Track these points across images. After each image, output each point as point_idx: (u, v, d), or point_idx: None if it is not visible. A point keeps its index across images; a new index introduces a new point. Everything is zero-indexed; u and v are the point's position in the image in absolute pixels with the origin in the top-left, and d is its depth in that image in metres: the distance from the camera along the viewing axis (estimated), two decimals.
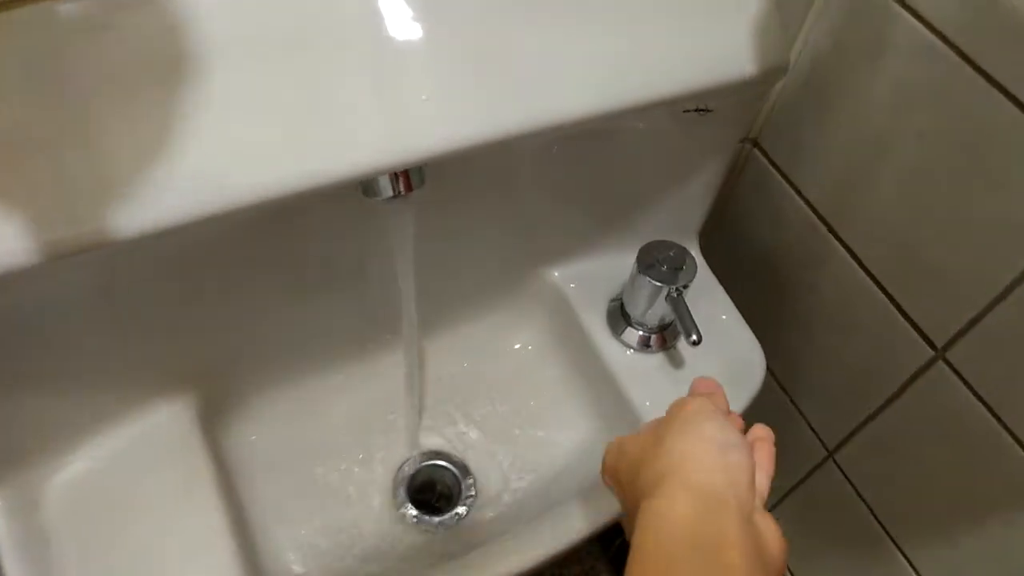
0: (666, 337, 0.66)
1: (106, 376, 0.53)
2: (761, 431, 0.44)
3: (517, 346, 0.72)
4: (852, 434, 0.75)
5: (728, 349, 0.65)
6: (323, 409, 0.66)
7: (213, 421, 0.60)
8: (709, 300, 0.68)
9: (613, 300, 0.68)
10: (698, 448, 0.38)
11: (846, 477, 0.78)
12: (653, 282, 0.60)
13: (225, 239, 0.51)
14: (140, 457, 0.55)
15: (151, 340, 0.54)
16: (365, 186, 0.48)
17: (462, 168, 0.52)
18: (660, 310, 0.62)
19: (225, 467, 0.61)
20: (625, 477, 0.41)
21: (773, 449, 0.43)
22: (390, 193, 0.48)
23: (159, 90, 0.40)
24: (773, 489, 0.42)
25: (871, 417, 0.71)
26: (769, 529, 0.37)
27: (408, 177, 0.47)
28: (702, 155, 0.63)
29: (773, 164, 0.73)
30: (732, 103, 0.57)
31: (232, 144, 0.41)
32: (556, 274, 0.69)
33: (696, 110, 0.56)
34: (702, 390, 0.47)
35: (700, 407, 0.41)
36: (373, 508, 0.64)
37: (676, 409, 0.42)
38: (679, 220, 0.68)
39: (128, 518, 0.52)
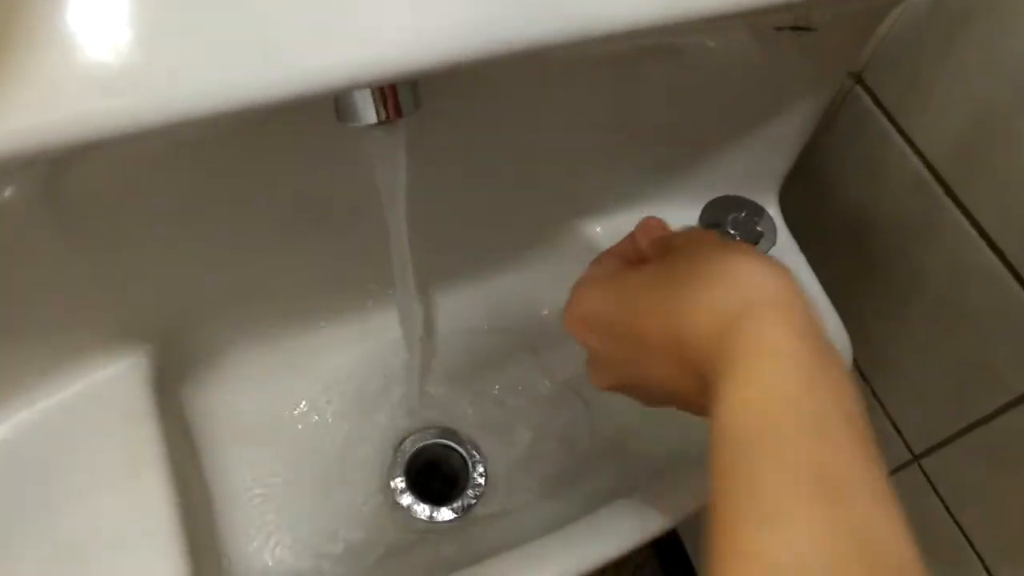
0: None
1: (37, 323, 0.44)
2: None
3: (546, 311, 0.61)
4: (949, 440, 0.62)
5: None
6: (310, 372, 0.56)
7: (172, 383, 0.50)
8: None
9: None
10: (774, 269, 0.30)
11: (933, 487, 0.65)
12: None
13: (184, 160, 0.40)
14: (73, 426, 0.45)
15: (97, 281, 0.44)
16: (339, 107, 0.36)
17: (472, 89, 0.40)
18: None
19: (188, 437, 0.52)
20: (647, 321, 0.32)
21: None
22: (372, 119, 0.36)
23: None
24: None
25: (977, 424, 0.58)
26: None
27: (396, 98, 0.35)
28: (794, 89, 0.49)
29: (879, 105, 0.58)
30: (843, 21, 0.43)
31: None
32: (598, 229, 0.57)
33: (793, 28, 0.42)
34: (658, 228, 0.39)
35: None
36: (362, 492, 0.55)
37: (692, 237, 0.35)
38: (756, 171, 0.54)
39: (53, 498, 0.44)
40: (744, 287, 0.30)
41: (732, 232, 0.47)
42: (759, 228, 0.48)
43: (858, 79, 0.59)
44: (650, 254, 0.38)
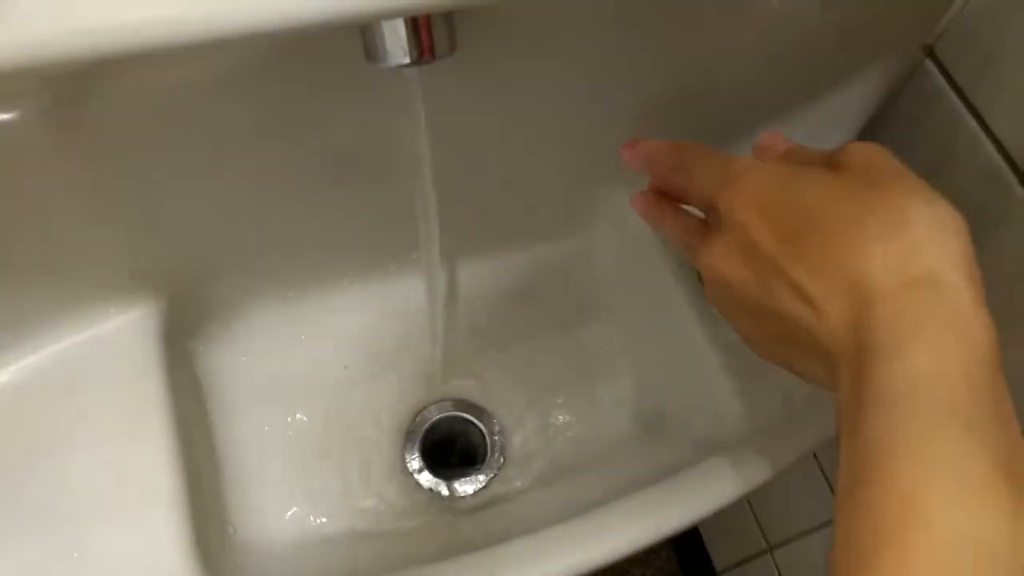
0: None
1: (47, 264, 0.42)
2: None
3: (580, 283, 0.57)
4: None
5: None
6: (326, 335, 0.54)
7: (183, 338, 0.48)
8: None
9: None
10: (959, 220, 0.29)
11: None
12: None
13: (207, 101, 0.38)
14: (79, 375, 0.43)
15: (110, 223, 0.42)
16: (368, 44, 0.33)
17: (508, 32, 0.36)
18: None
19: (197, 396, 0.49)
20: (820, 236, 0.29)
21: None
22: (403, 58, 0.33)
23: None
24: None
25: None
26: None
27: (430, 34, 0.32)
28: (862, 58, 0.45)
29: (951, 82, 0.54)
30: None
31: None
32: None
33: None
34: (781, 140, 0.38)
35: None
36: (376, 464, 0.52)
37: (866, 156, 0.31)
38: (812, 144, 0.50)
39: (53, 448, 0.42)
40: (932, 247, 0.27)
41: None
42: None
43: (929, 52, 0.55)
44: None
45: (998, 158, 0.51)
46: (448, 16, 0.32)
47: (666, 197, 0.41)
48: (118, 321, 0.45)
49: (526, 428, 0.55)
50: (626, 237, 0.54)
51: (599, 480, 0.51)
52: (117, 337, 0.44)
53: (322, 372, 0.53)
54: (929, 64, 0.55)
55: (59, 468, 0.41)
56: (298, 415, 0.52)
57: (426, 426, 0.54)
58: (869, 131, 0.57)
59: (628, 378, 0.55)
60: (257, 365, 0.52)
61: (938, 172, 0.57)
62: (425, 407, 0.55)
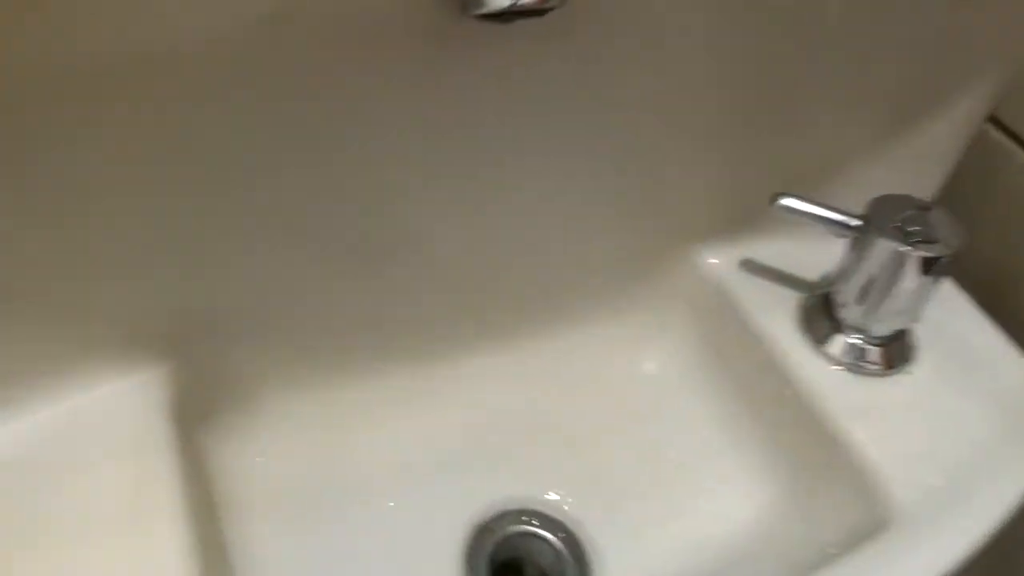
0: (892, 354, 0.43)
1: (27, 315, 0.34)
2: None
3: (649, 367, 0.50)
4: None
5: (993, 379, 0.43)
6: (367, 430, 0.45)
7: (195, 416, 0.39)
8: (949, 311, 0.46)
9: (812, 295, 0.46)
10: None
11: None
12: (902, 248, 0.38)
13: (229, 104, 0.32)
14: (69, 452, 0.34)
15: (112, 261, 0.34)
16: None
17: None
18: (901, 302, 0.40)
19: (209, 500, 0.39)
20: None
21: None
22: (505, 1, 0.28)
23: None
24: None
25: None
26: None
27: None
28: (978, 64, 0.43)
29: (1015, 138, 0.52)
30: None
31: None
32: (714, 260, 0.48)
33: None
34: None
35: None
36: None
37: None
38: (912, 176, 0.46)
39: (40, 541, 0.31)
40: None
41: (910, 229, 0.39)
42: (938, 226, 0.40)
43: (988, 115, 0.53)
44: None
45: None
46: None
47: None
48: (119, 385, 0.36)
49: (608, 539, 0.45)
50: (710, 300, 0.48)
51: None
52: (118, 403, 0.36)
53: (358, 478, 0.44)
54: (988, 126, 0.54)
55: (55, 566, 0.31)
56: (329, 531, 0.42)
57: (491, 544, 0.44)
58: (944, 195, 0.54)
59: (739, 478, 0.45)
60: (278, 464, 0.42)
61: (1018, 228, 0.53)
62: (485, 522, 0.45)
